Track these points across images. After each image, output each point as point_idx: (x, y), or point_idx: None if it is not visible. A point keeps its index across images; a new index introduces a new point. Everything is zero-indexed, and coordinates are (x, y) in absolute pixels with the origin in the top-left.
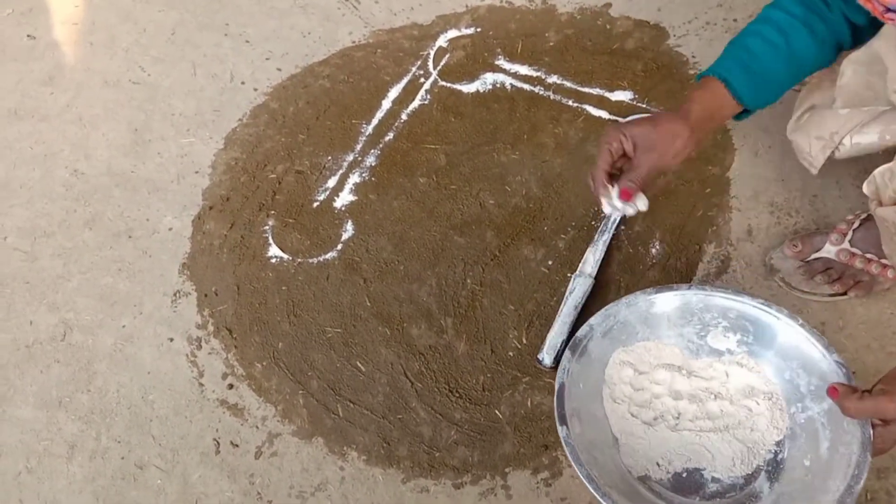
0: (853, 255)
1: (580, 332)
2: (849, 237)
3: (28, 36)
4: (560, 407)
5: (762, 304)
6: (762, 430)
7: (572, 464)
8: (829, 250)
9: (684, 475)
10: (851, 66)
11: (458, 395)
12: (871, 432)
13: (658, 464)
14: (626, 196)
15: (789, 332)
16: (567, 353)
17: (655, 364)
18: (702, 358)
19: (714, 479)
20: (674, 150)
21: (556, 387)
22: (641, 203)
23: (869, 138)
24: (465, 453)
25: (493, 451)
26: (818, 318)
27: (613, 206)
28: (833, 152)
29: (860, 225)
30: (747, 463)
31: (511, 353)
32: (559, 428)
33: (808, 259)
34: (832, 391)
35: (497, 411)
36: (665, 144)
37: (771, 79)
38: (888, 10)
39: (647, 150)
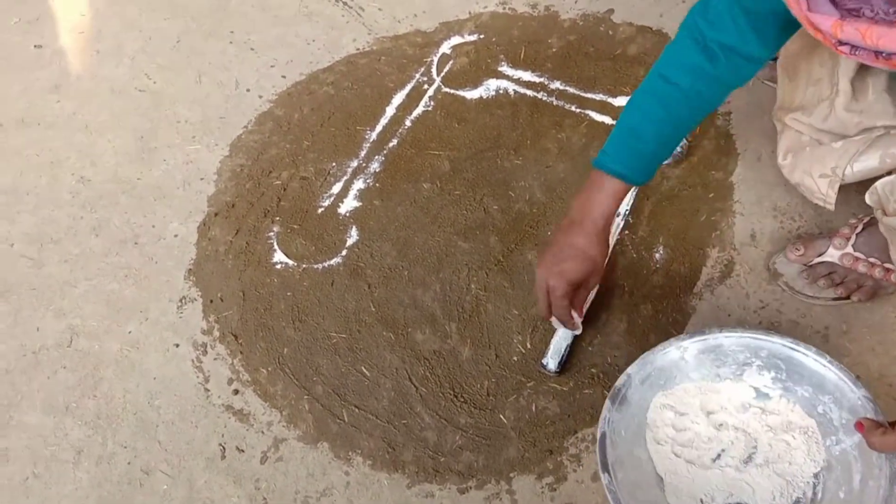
0: (856, 259)
1: (619, 382)
2: (852, 241)
3: (35, 45)
4: (602, 455)
5: (791, 342)
6: (800, 463)
7: None
8: (832, 254)
9: None
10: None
11: (462, 399)
12: None
13: (702, 500)
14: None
15: (819, 368)
16: (607, 402)
17: (696, 404)
18: (739, 396)
19: None
20: (602, 265)
21: (598, 436)
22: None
23: (870, 164)
24: (470, 458)
25: (497, 455)
26: (822, 322)
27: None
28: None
29: (863, 229)
30: (787, 496)
31: (515, 358)
32: (602, 475)
33: (812, 263)
34: (858, 426)
35: (502, 416)
36: (597, 267)
37: (660, 155)
38: (841, 43)
39: (586, 279)
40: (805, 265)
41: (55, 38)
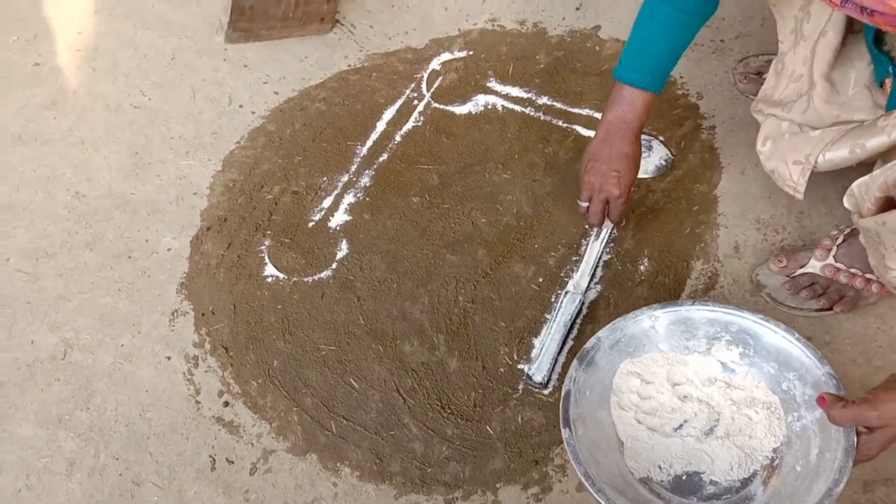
0: (837, 270)
1: (588, 344)
2: (833, 252)
3: (34, 63)
4: (565, 411)
5: (761, 318)
6: (760, 437)
7: (572, 462)
8: (813, 266)
9: (684, 478)
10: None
11: (449, 411)
12: (856, 440)
13: (660, 467)
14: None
15: (786, 345)
16: (574, 362)
17: (662, 374)
18: (706, 369)
19: (712, 482)
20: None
21: (563, 392)
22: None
23: (840, 154)
24: (457, 469)
25: (484, 466)
26: (805, 333)
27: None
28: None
29: (844, 241)
30: (745, 468)
31: (502, 370)
32: (563, 430)
33: (794, 275)
34: (820, 400)
35: (488, 427)
36: (636, 167)
37: (671, 64)
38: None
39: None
40: (788, 277)
41: (52, 56)
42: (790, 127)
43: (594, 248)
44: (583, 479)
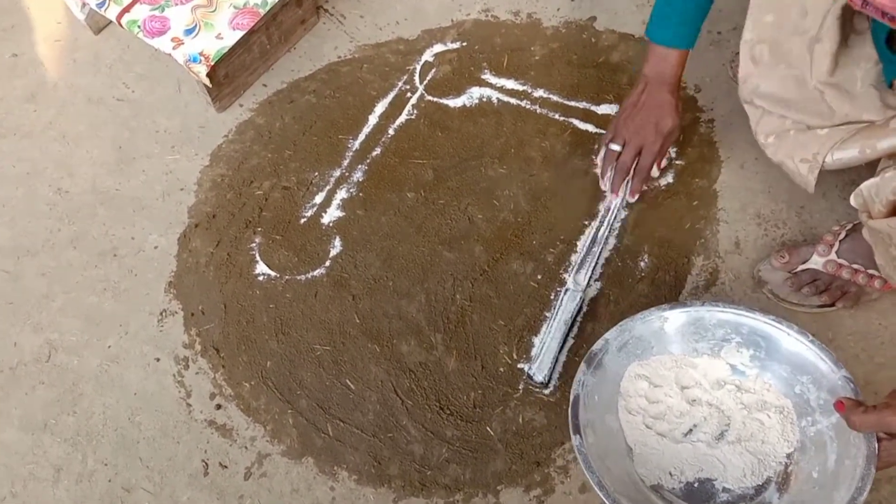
0: (840, 265)
1: (595, 346)
2: (835, 248)
3: (11, 54)
4: (574, 417)
5: (773, 320)
6: (773, 442)
7: (584, 472)
8: (816, 261)
9: (696, 485)
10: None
11: (448, 412)
12: (877, 446)
13: (671, 473)
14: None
15: (799, 348)
16: (582, 365)
17: (670, 377)
18: (715, 372)
19: (725, 490)
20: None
21: (571, 398)
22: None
23: (850, 154)
24: (457, 471)
25: (484, 468)
26: (807, 329)
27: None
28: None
29: (846, 236)
30: (758, 474)
31: (502, 369)
32: (573, 437)
33: (796, 271)
34: (839, 405)
35: (488, 428)
36: (678, 121)
37: (699, 20)
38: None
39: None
40: (789, 272)
41: (31, 47)
42: (795, 123)
43: (594, 245)
44: (596, 490)
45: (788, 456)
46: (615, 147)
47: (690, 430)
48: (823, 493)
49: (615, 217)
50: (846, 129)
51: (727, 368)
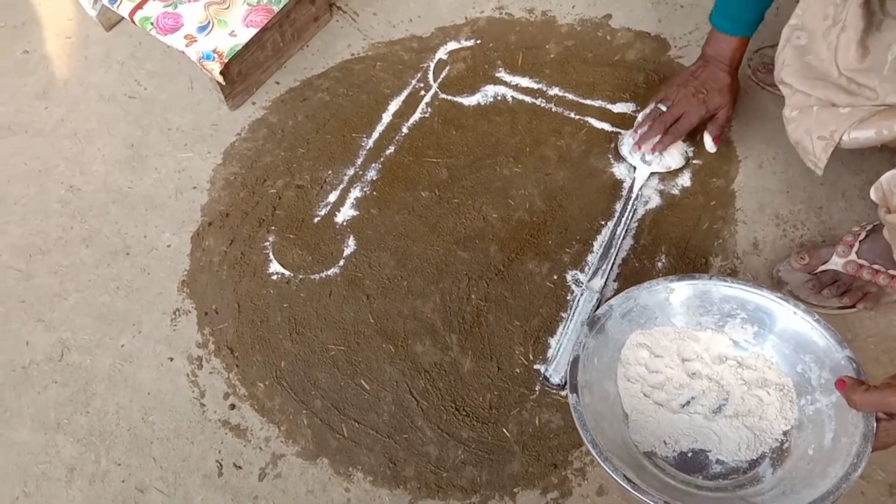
0: (860, 266)
1: (600, 311)
2: (855, 248)
3: (22, 51)
4: (573, 377)
5: (780, 297)
6: (770, 419)
7: (578, 429)
8: (836, 262)
9: (689, 455)
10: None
11: (464, 413)
12: (875, 425)
13: (665, 442)
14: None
15: (804, 327)
16: (584, 328)
17: (672, 349)
18: (718, 347)
19: (718, 461)
20: (735, 99)
21: (571, 358)
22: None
23: (867, 134)
24: (473, 473)
25: (501, 470)
26: None
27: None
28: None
29: (866, 236)
30: (753, 449)
31: (518, 370)
32: (570, 395)
33: (816, 272)
34: (840, 384)
35: (505, 430)
36: (733, 98)
37: (762, 8)
38: None
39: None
40: (810, 274)
41: (42, 43)
42: (819, 100)
43: (611, 245)
44: (589, 447)
45: (785, 433)
46: (662, 107)
47: (688, 401)
48: (818, 468)
49: (631, 217)
50: (868, 109)
51: (730, 344)
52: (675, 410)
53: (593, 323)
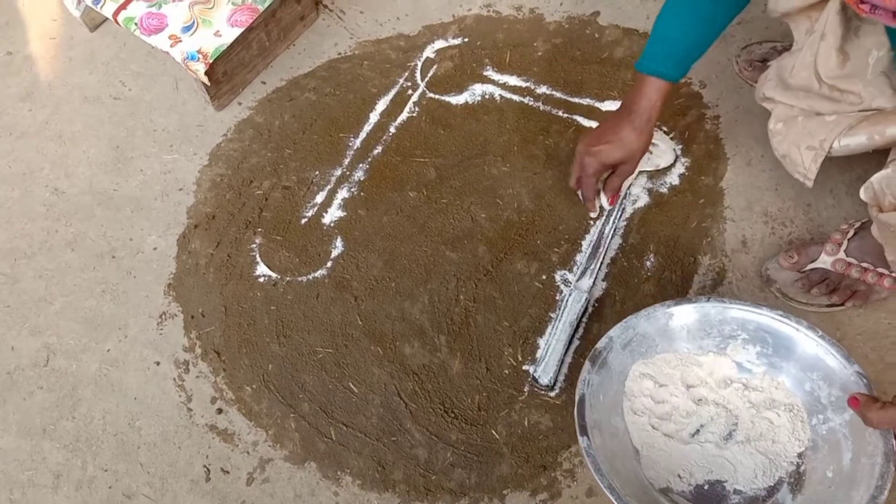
0: (849, 264)
1: (600, 344)
2: (844, 247)
3: (6, 52)
4: (581, 418)
5: (781, 315)
6: (783, 441)
7: (594, 474)
8: (824, 260)
9: (706, 487)
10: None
11: (453, 415)
12: (895, 443)
13: (679, 476)
14: (613, 202)
15: (809, 344)
16: (587, 364)
17: (676, 376)
18: (721, 370)
19: (736, 492)
20: (639, 155)
21: (577, 398)
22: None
23: (857, 140)
24: (462, 475)
25: (490, 472)
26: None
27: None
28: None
29: (855, 234)
30: (769, 475)
31: (507, 371)
32: (580, 438)
33: (805, 270)
34: (853, 401)
35: (494, 431)
36: (633, 156)
37: (694, 54)
38: (862, 1)
39: (622, 164)
40: (798, 272)
41: (26, 44)
42: (803, 111)
43: (599, 244)
44: (607, 493)
45: (800, 455)
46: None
47: (697, 430)
48: (840, 492)
49: (620, 216)
50: (854, 115)
51: (733, 366)
52: (686, 441)
53: (595, 358)
